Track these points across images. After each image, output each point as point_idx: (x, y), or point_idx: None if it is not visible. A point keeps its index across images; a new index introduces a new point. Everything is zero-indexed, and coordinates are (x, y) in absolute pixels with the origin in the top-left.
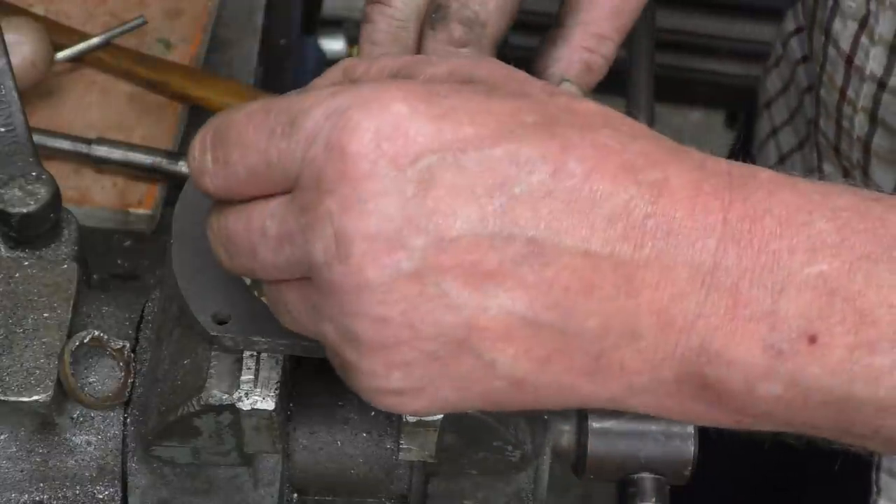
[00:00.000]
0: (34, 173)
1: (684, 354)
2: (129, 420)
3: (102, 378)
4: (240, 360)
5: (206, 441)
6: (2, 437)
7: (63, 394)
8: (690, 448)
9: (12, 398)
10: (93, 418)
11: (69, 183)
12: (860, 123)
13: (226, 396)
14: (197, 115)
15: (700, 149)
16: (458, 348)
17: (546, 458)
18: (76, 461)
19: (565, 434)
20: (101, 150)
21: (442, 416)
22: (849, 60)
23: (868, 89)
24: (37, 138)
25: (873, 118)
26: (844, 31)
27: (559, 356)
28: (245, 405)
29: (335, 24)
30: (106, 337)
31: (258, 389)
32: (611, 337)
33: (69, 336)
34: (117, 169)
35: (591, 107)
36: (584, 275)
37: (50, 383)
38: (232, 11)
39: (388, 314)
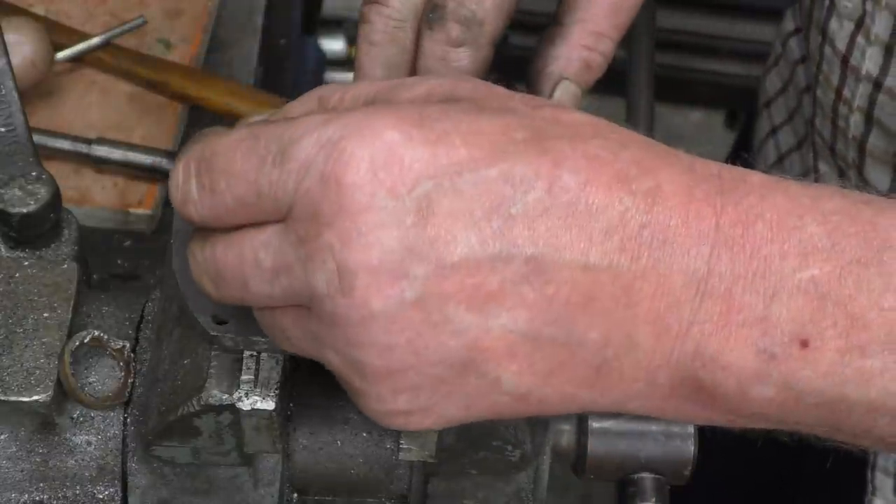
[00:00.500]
0: (34, 173)
1: (679, 360)
2: (129, 420)
3: (102, 378)
4: (240, 360)
5: (206, 441)
6: (2, 437)
7: (63, 394)
8: (690, 448)
9: (12, 398)
10: (93, 418)
11: (69, 183)
12: (856, 123)
13: (226, 396)
14: (197, 115)
15: (700, 149)
16: (464, 369)
17: (546, 458)
18: (76, 461)
19: (565, 434)
20: (101, 150)
21: None
22: (845, 60)
23: (864, 89)
24: (37, 138)
25: (869, 118)
26: (841, 31)
27: (561, 369)
28: (245, 405)
29: (335, 24)
30: (106, 337)
31: (258, 389)
32: (611, 347)
33: (69, 336)
34: (117, 169)
35: (578, 117)
36: (583, 288)
37: (50, 383)
38: (232, 11)
39: (393, 342)
